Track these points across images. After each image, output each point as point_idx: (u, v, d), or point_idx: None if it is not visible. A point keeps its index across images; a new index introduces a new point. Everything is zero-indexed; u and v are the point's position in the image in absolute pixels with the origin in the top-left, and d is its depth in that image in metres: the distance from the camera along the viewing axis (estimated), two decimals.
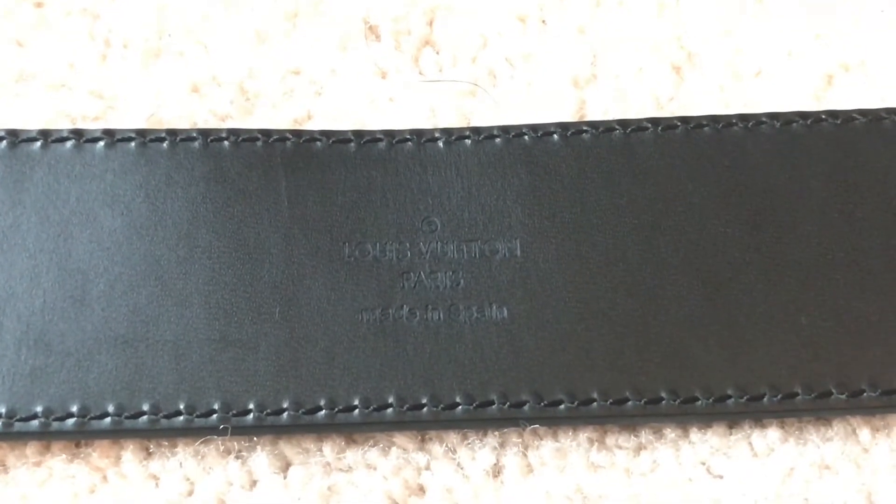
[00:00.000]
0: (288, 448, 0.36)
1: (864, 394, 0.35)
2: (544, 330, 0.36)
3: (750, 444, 0.36)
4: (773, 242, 0.37)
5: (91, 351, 0.35)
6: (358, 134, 0.39)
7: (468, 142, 0.39)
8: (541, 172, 0.39)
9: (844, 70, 0.43)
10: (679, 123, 0.39)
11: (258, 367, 0.35)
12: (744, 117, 0.40)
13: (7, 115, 0.41)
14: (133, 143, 0.38)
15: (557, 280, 0.37)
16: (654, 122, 0.40)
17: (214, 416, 0.35)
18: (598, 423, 0.36)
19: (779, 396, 0.35)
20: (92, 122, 0.41)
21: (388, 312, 0.36)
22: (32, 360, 0.35)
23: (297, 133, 0.39)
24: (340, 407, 0.35)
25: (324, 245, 0.37)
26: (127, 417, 0.34)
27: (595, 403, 0.35)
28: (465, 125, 0.41)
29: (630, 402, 0.35)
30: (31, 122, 0.40)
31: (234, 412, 0.35)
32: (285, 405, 0.35)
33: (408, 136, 0.39)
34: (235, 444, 0.36)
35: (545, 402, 0.35)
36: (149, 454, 0.36)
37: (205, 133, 0.39)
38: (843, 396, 0.35)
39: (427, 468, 0.36)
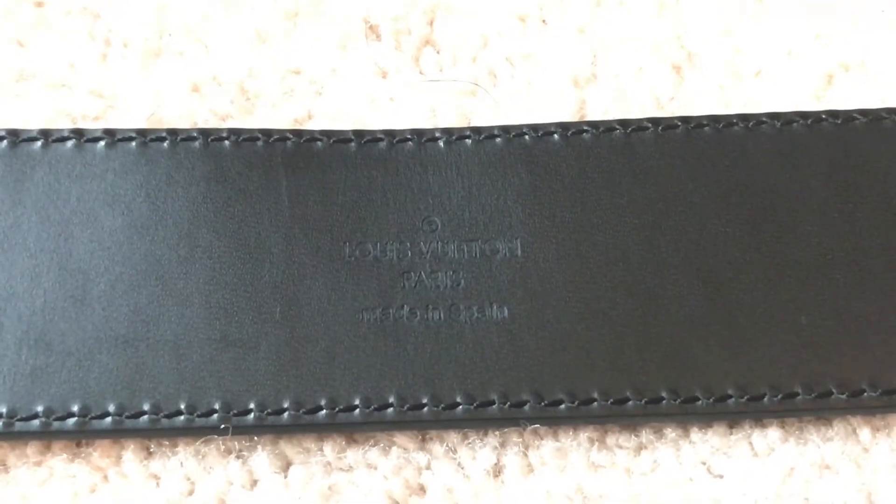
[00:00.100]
0: (288, 448, 0.36)
1: (865, 393, 0.35)
2: (545, 330, 0.36)
3: (750, 443, 0.36)
4: (773, 242, 0.37)
5: (92, 350, 0.35)
6: (358, 134, 0.39)
7: (469, 141, 0.39)
8: (541, 172, 0.39)
9: (844, 70, 0.43)
10: (679, 123, 0.39)
11: (259, 367, 0.35)
12: (744, 117, 0.40)
13: (7, 115, 0.41)
14: (133, 143, 0.38)
15: (558, 280, 0.37)
16: (655, 121, 0.40)
17: (215, 415, 0.35)
18: (598, 423, 0.36)
19: (779, 396, 0.35)
20: (92, 122, 0.41)
21: (389, 312, 0.36)
22: (33, 359, 0.35)
23: (298, 133, 0.39)
24: (341, 406, 0.35)
25: (324, 245, 0.37)
26: (128, 417, 0.34)
27: (595, 403, 0.35)
28: (465, 125, 0.41)
29: (630, 402, 0.35)
30: (31, 121, 0.40)
31: (235, 412, 0.35)
32: (286, 405, 0.35)
33: (408, 136, 0.39)
34: (236, 443, 0.36)
35: (546, 401, 0.35)
36: (149, 454, 0.36)
37: (205, 133, 0.39)
38: (844, 396, 0.35)
39: (428, 468, 0.36)
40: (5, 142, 0.38)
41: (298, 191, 0.38)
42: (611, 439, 0.36)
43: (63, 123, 0.41)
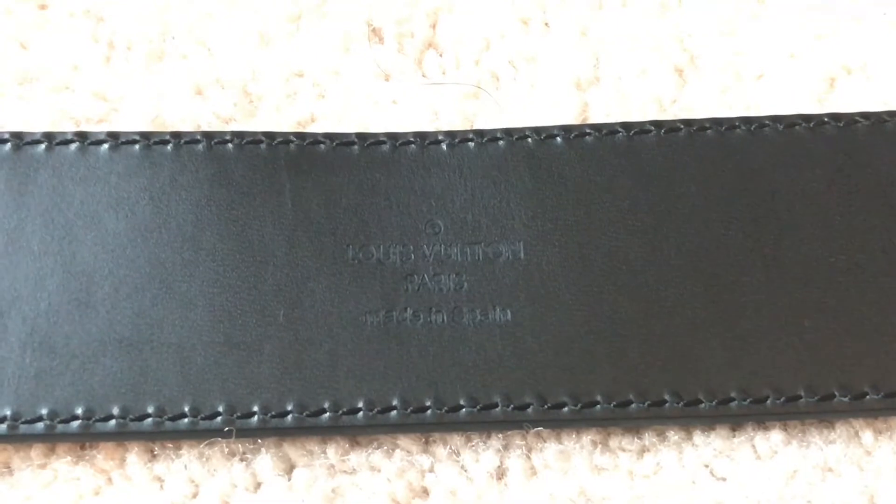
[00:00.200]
0: (292, 450, 0.36)
1: (867, 396, 0.35)
2: (548, 332, 0.36)
3: (753, 446, 0.36)
4: (775, 245, 0.37)
5: (96, 353, 0.35)
6: (361, 136, 0.39)
7: (471, 144, 0.39)
8: (544, 175, 0.39)
9: (846, 73, 0.43)
10: (682, 126, 0.40)
11: (262, 370, 0.35)
12: (746, 120, 0.40)
13: (11, 118, 0.41)
14: (137, 146, 0.39)
15: (561, 282, 0.37)
16: (657, 124, 0.40)
17: (219, 418, 0.35)
18: (601, 426, 0.36)
19: (782, 399, 0.35)
20: (95, 125, 0.41)
21: (392, 315, 0.36)
22: (37, 362, 0.35)
23: (301, 135, 0.39)
24: (344, 409, 0.35)
25: (328, 247, 0.37)
26: (132, 420, 0.35)
27: (598, 406, 0.35)
28: (468, 128, 0.41)
29: (633, 405, 0.35)
30: (34, 124, 0.40)
31: (239, 414, 0.35)
32: (289, 407, 0.35)
33: (411, 139, 0.39)
34: (240, 446, 0.36)
35: (549, 404, 0.35)
36: (153, 456, 0.36)
37: (208, 135, 0.39)
38: (846, 399, 0.35)
39: (431, 470, 0.36)
40: (9, 145, 0.38)
41: (302, 193, 0.38)
42: (614, 442, 0.36)
43: (66, 126, 0.41)
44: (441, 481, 0.36)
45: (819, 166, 0.39)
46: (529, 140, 0.39)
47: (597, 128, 0.40)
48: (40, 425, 0.34)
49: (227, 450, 0.36)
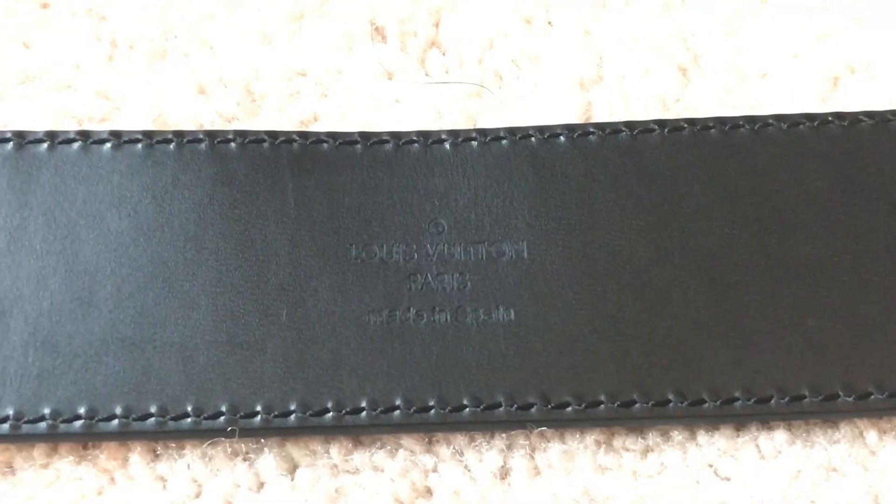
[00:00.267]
0: (295, 450, 0.36)
1: (871, 396, 0.35)
2: (551, 332, 0.36)
3: (757, 446, 0.36)
4: (779, 244, 0.37)
5: (98, 353, 0.35)
6: (364, 135, 0.39)
7: (475, 143, 0.39)
8: (547, 174, 0.39)
9: (850, 72, 0.43)
10: (685, 125, 0.39)
11: (265, 369, 0.35)
12: (750, 119, 0.40)
13: (13, 117, 0.41)
14: (140, 145, 0.38)
15: (564, 282, 0.37)
16: (661, 123, 0.40)
17: (222, 418, 0.35)
18: (605, 426, 0.36)
19: (786, 399, 0.35)
20: (98, 124, 0.41)
21: (395, 314, 0.36)
22: (40, 361, 0.35)
23: (304, 135, 0.39)
24: (348, 409, 0.35)
25: (330, 247, 0.37)
26: (134, 419, 0.34)
27: (602, 406, 0.35)
28: (471, 127, 0.41)
29: (637, 405, 0.35)
30: (37, 123, 0.40)
31: (242, 414, 0.35)
32: (293, 407, 0.35)
33: (414, 138, 0.39)
34: (243, 445, 0.36)
35: (552, 404, 0.35)
36: (156, 456, 0.36)
37: (211, 135, 0.39)
38: (850, 399, 0.35)
39: (434, 470, 0.36)
40: (11, 144, 0.38)
41: (304, 193, 0.38)
42: (617, 442, 0.36)
43: (69, 125, 0.41)
44: (444, 481, 0.36)
45: (823, 165, 0.39)
46: (533, 139, 0.39)
47: (600, 127, 0.40)
48: (43, 425, 0.34)
49: (230, 449, 0.36)
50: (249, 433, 0.35)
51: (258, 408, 0.35)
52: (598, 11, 0.44)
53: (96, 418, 0.34)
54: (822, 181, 0.39)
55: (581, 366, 0.36)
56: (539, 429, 0.36)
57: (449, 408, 0.35)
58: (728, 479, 0.36)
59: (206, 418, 0.35)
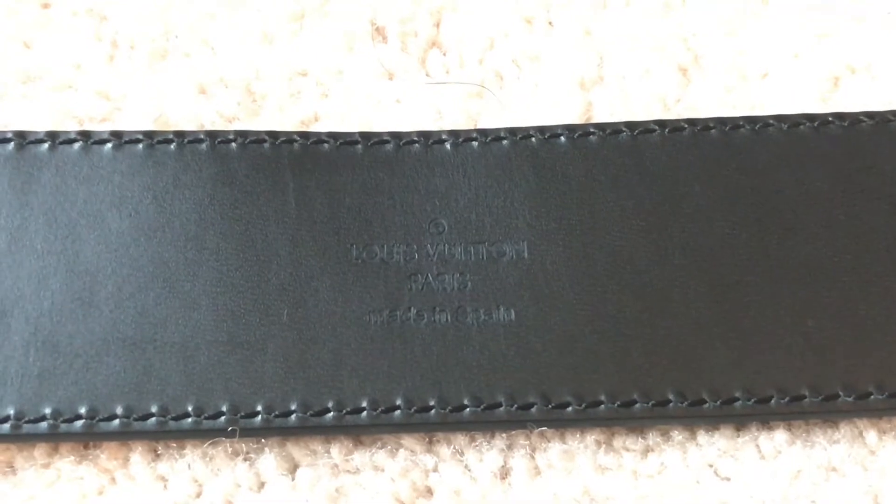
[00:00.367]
0: (296, 450, 0.36)
1: (871, 396, 0.35)
2: (552, 332, 0.36)
3: (757, 446, 0.36)
4: (779, 245, 0.37)
5: (99, 352, 0.35)
6: (365, 136, 0.39)
7: (475, 144, 0.39)
8: (548, 174, 0.39)
9: (851, 72, 0.43)
10: (686, 126, 0.39)
11: (266, 369, 0.35)
12: (750, 119, 0.40)
13: (14, 117, 0.41)
14: (140, 145, 0.38)
15: (565, 282, 0.37)
16: (661, 124, 0.40)
17: (223, 417, 0.35)
18: (605, 426, 0.36)
19: (786, 399, 0.35)
20: (99, 124, 0.41)
21: (396, 314, 0.36)
22: (41, 361, 0.35)
23: (305, 135, 0.39)
24: (348, 409, 0.35)
25: (331, 247, 0.37)
26: (135, 419, 0.35)
27: (602, 406, 0.35)
28: (471, 127, 0.41)
29: (637, 405, 0.35)
30: (37, 123, 0.40)
31: (243, 414, 0.35)
32: (293, 407, 0.35)
33: (415, 138, 0.39)
34: (243, 445, 0.36)
35: (553, 404, 0.35)
36: (157, 456, 0.36)
37: (212, 135, 0.39)
38: (850, 399, 0.35)
39: (435, 470, 0.36)
40: (12, 144, 0.38)
41: (305, 193, 0.38)
42: (618, 442, 0.36)
43: (70, 125, 0.41)
44: (445, 481, 0.36)
45: (823, 166, 0.39)
46: (533, 139, 0.39)
47: (601, 127, 0.40)
48: (44, 425, 0.34)
49: (230, 449, 0.36)
50: (250, 433, 0.35)
51: (259, 408, 0.35)
52: (598, 11, 0.44)
53: (97, 418, 0.34)
54: (822, 181, 0.39)
55: (581, 366, 0.36)
56: (539, 429, 0.36)
57: (449, 408, 0.35)
58: (728, 479, 0.36)
59: (206, 418, 0.35)
